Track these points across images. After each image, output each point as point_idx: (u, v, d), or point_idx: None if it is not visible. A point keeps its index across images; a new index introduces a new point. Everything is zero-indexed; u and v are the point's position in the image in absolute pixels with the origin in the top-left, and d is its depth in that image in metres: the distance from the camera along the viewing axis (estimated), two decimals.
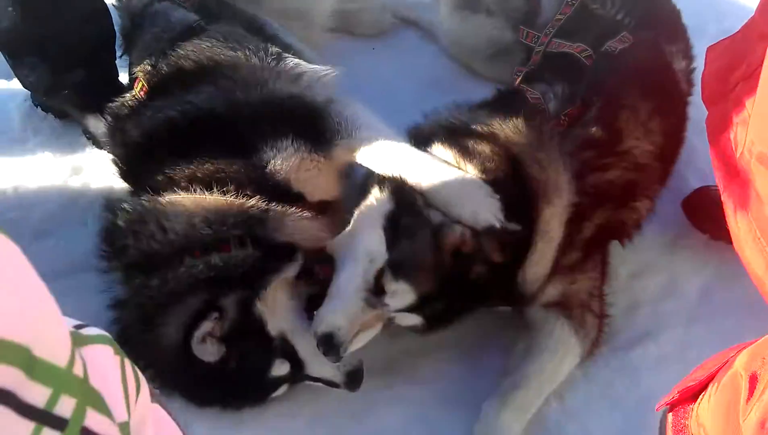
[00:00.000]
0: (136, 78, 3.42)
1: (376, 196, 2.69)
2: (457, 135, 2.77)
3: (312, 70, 3.22)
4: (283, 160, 2.79)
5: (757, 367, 1.66)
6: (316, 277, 2.77)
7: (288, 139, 2.80)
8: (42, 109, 3.77)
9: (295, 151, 2.81)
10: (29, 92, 3.74)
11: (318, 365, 2.66)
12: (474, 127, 2.80)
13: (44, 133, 3.70)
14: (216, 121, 2.87)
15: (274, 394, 2.69)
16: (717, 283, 3.14)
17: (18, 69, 3.50)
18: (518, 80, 3.15)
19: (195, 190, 2.72)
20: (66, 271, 3.10)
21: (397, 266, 2.52)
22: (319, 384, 2.71)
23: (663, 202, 3.19)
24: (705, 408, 1.74)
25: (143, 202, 2.77)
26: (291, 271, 2.72)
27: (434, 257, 2.51)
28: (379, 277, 2.53)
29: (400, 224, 2.57)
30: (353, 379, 2.66)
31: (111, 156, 3.14)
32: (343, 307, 2.53)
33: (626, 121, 2.89)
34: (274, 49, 3.21)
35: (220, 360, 2.55)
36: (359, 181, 2.90)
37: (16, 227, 3.28)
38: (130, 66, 3.53)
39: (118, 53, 3.66)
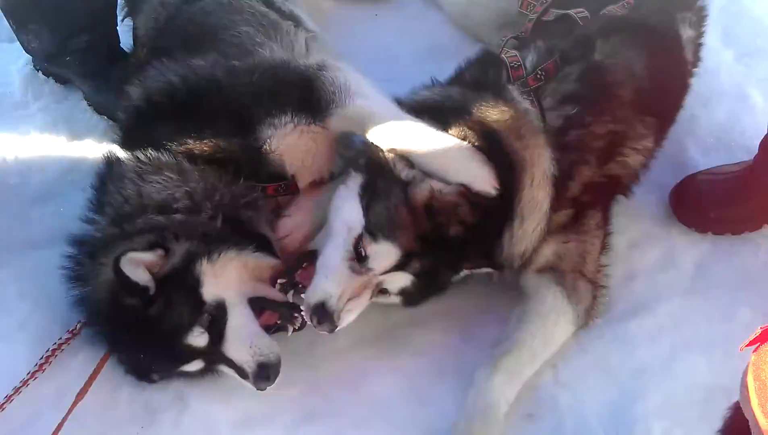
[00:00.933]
0: (141, 42, 3.43)
1: (350, 174, 2.72)
2: (435, 112, 2.76)
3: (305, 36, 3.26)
4: (279, 139, 2.78)
5: None
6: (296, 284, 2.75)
7: (286, 115, 2.79)
8: (43, 74, 3.77)
9: (294, 127, 2.81)
10: (31, 57, 3.73)
11: (236, 347, 2.60)
12: (449, 104, 2.80)
13: (45, 99, 3.71)
14: (215, 89, 2.86)
15: (185, 367, 2.63)
16: (713, 256, 3.11)
17: (21, 35, 3.50)
18: (503, 46, 3.11)
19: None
20: (64, 238, 3.11)
21: (375, 228, 2.55)
22: (234, 374, 2.64)
23: (661, 171, 3.17)
24: None
25: (132, 159, 2.79)
26: (259, 257, 2.72)
27: (408, 213, 2.53)
28: (358, 244, 2.55)
29: (374, 189, 2.60)
30: (263, 373, 2.59)
31: (112, 123, 3.15)
32: (332, 276, 2.56)
33: (613, 75, 2.87)
34: (272, 16, 3.20)
35: (144, 301, 2.52)
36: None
37: (17, 193, 3.31)
38: (134, 30, 3.53)
39: (120, 18, 3.65)
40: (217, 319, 2.59)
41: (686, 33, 3.16)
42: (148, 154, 2.76)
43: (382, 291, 2.67)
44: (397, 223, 2.54)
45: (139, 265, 2.50)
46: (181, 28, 3.22)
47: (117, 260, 2.46)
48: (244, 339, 2.59)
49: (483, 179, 2.56)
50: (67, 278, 2.77)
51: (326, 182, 2.97)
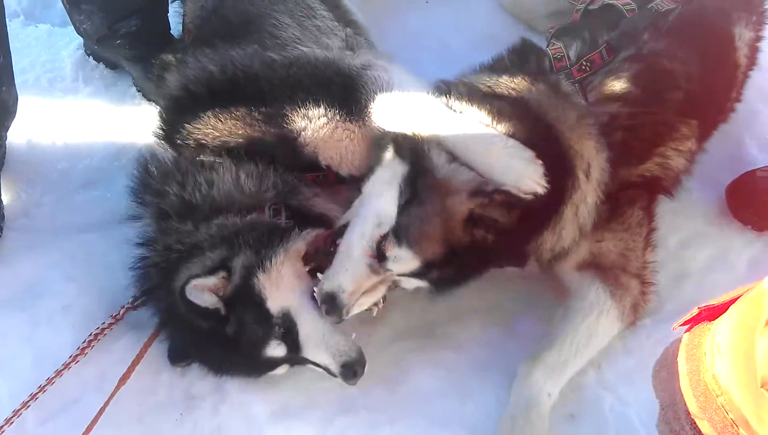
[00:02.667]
0: (187, 29, 3.44)
1: (392, 158, 2.63)
2: (485, 97, 2.68)
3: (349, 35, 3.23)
4: (314, 132, 2.75)
5: None
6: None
7: (320, 108, 2.75)
8: (94, 59, 3.80)
9: (328, 121, 2.76)
10: (82, 41, 3.77)
11: (315, 350, 2.62)
12: (497, 88, 2.72)
13: (95, 84, 3.74)
14: (252, 80, 2.83)
15: (273, 373, 2.68)
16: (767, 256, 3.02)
17: (74, 15, 3.52)
18: (549, 38, 3.05)
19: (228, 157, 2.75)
20: (111, 222, 3.15)
21: (403, 232, 2.48)
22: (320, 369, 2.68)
23: (717, 167, 3.08)
24: (723, 326, 1.69)
25: (187, 152, 2.80)
26: (301, 239, 2.69)
27: (442, 225, 2.46)
28: (381, 242, 2.51)
29: (415, 189, 2.52)
30: (349, 371, 2.60)
31: (158, 109, 3.16)
32: (350, 270, 2.53)
33: (665, 78, 2.77)
34: (316, 6, 3.21)
35: (217, 321, 2.55)
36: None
37: (64, 177, 3.35)
38: (183, 17, 3.54)
39: (171, 1, 3.67)
40: (288, 329, 2.61)
41: (743, 34, 3.02)
42: (197, 148, 2.78)
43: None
44: (426, 234, 2.48)
45: (204, 290, 2.53)
46: (224, 18, 3.21)
47: (182, 290, 2.49)
48: (318, 344, 2.60)
49: (531, 178, 2.45)
50: (138, 280, 2.79)
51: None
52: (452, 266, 2.52)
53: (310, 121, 2.74)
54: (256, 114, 2.76)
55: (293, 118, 2.74)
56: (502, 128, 2.55)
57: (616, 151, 2.66)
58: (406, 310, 2.82)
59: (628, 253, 2.80)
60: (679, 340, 1.87)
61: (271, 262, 2.60)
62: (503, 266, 2.70)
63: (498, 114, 2.58)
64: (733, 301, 1.74)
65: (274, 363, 2.64)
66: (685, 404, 1.72)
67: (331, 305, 2.52)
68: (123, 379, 2.65)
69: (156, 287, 2.70)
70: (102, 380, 2.73)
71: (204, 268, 2.58)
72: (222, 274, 2.57)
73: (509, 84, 2.72)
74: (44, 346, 2.80)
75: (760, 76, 3.24)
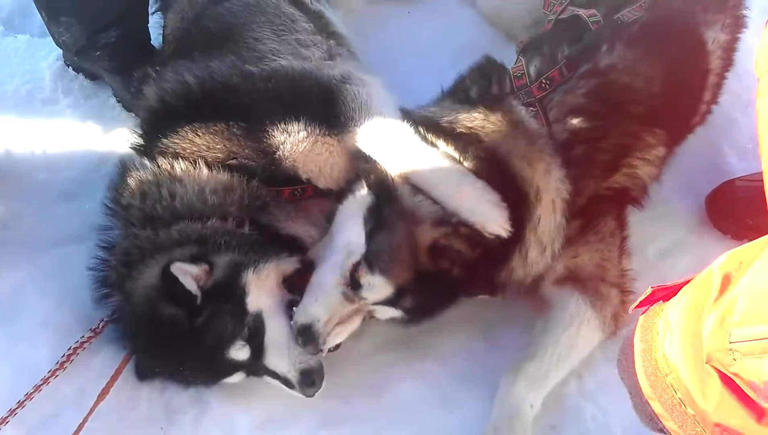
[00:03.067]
0: (168, 40, 3.43)
1: (359, 190, 2.67)
2: (447, 135, 2.71)
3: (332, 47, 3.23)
4: (293, 146, 2.74)
5: (732, 268, 1.63)
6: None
7: (300, 123, 2.74)
8: (73, 70, 3.78)
9: (308, 135, 2.75)
10: (61, 52, 3.75)
11: (276, 357, 2.62)
12: (456, 126, 2.73)
13: (74, 95, 3.71)
14: (231, 93, 2.83)
15: (227, 380, 2.64)
16: None
17: (53, 27, 3.50)
18: (519, 51, 3.06)
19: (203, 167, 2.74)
20: (91, 234, 3.11)
21: (374, 259, 2.51)
22: (277, 382, 2.66)
23: (696, 176, 3.10)
24: (675, 305, 1.71)
25: (158, 164, 2.78)
26: (290, 263, 2.73)
27: (410, 253, 2.50)
28: (354, 270, 2.53)
29: (380, 217, 2.56)
30: (307, 381, 2.60)
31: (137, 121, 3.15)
32: (323, 300, 2.57)
33: (625, 90, 2.77)
34: (298, 18, 3.22)
35: (188, 310, 2.53)
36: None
37: (44, 188, 3.33)
38: (164, 28, 3.53)
39: (151, 11, 3.65)
40: (256, 332, 2.60)
41: (716, 37, 3.00)
42: (169, 160, 2.76)
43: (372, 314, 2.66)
44: (396, 259, 2.51)
45: (187, 275, 2.52)
46: (204, 29, 3.20)
47: (167, 267, 2.48)
48: (283, 349, 2.60)
49: (497, 222, 2.49)
50: (97, 281, 2.79)
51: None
52: (424, 294, 2.55)
53: (290, 136, 2.73)
54: (235, 128, 2.74)
55: (272, 133, 2.73)
56: (468, 165, 2.59)
57: (579, 166, 2.67)
58: (388, 322, 2.80)
59: (604, 263, 2.81)
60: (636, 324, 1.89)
61: (264, 264, 2.62)
62: (475, 295, 2.71)
63: (463, 151, 2.62)
64: (686, 282, 1.76)
65: (233, 367, 2.60)
66: (639, 387, 1.74)
67: (307, 336, 2.54)
68: (102, 394, 2.63)
69: (113, 287, 2.72)
70: (81, 395, 2.71)
71: (185, 257, 2.57)
72: (204, 266, 2.56)
73: (467, 123, 2.73)
74: (22, 362, 2.77)
75: (737, 83, 3.26)
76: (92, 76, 3.75)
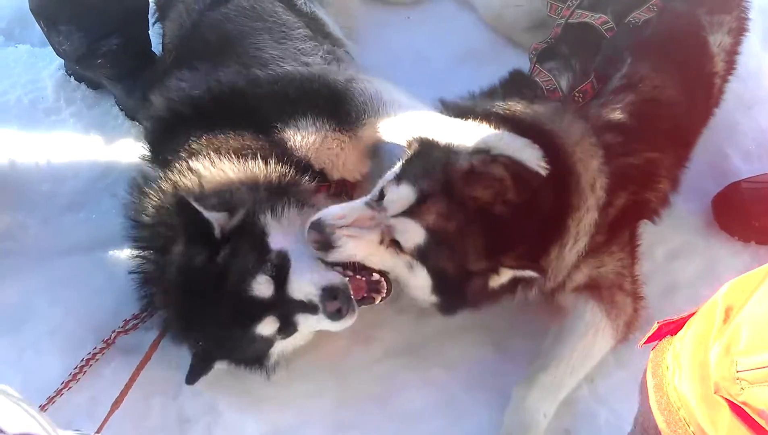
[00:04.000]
0: (167, 49, 3.43)
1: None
2: (482, 116, 2.66)
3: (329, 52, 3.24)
4: (303, 138, 2.77)
5: (735, 297, 1.63)
6: None
7: (308, 118, 2.78)
8: (75, 79, 3.76)
9: (317, 130, 2.78)
10: (63, 61, 3.73)
11: (298, 281, 2.53)
12: (497, 111, 2.71)
13: (77, 104, 3.69)
14: (238, 97, 2.86)
15: (259, 329, 2.53)
16: (755, 267, 2.97)
17: (52, 37, 3.48)
18: (534, 60, 3.03)
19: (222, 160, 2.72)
20: (97, 245, 3.15)
21: (403, 174, 2.47)
22: (310, 320, 2.56)
23: (702, 179, 3.11)
24: (681, 338, 1.72)
25: (177, 166, 2.76)
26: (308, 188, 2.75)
27: (443, 171, 2.43)
28: (383, 190, 2.49)
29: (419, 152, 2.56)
30: (330, 295, 2.50)
31: (141, 128, 3.14)
32: (345, 205, 2.52)
33: (652, 101, 2.76)
34: (295, 24, 3.22)
35: (211, 250, 2.52)
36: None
37: (49, 199, 3.32)
38: (163, 37, 3.52)
39: (152, 21, 3.64)
40: (280, 267, 2.54)
41: (720, 40, 3.01)
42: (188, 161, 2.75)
43: (395, 243, 2.46)
44: (426, 173, 2.44)
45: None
46: (203, 36, 3.19)
47: (182, 198, 2.51)
48: (305, 274, 2.53)
49: (531, 156, 2.47)
50: (139, 282, 2.77)
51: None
52: (452, 211, 2.40)
53: (299, 131, 2.77)
54: (247, 127, 2.77)
55: (283, 130, 2.77)
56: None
57: (612, 179, 2.64)
58: (396, 329, 2.82)
59: (623, 271, 2.80)
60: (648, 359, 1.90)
61: (282, 210, 2.62)
62: (523, 267, 2.48)
63: (498, 125, 2.60)
64: (691, 315, 1.77)
65: (261, 308, 2.51)
66: (655, 421, 1.73)
67: (317, 228, 2.43)
68: (116, 404, 2.62)
69: (153, 270, 2.69)
70: (94, 405, 2.70)
71: (206, 207, 2.55)
72: (224, 213, 2.57)
73: (507, 107, 2.73)
74: (31, 372, 2.77)
75: (740, 85, 3.28)
76: (94, 85, 3.73)
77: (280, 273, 2.53)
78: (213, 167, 2.70)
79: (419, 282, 2.50)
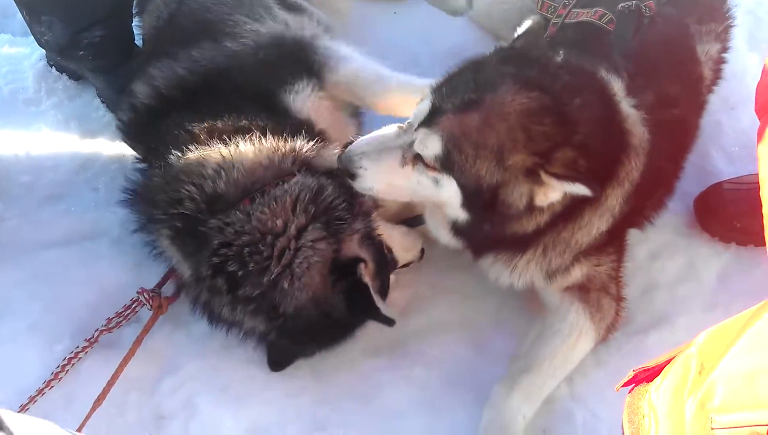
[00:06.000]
0: (145, 41, 3.41)
1: None
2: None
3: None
4: (303, 101, 2.81)
5: (710, 349, 1.66)
6: None
7: (303, 80, 2.83)
8: (56, 70, 3.73)
9: (312, 90, 2.84)
10: (44, 52, 3.70)
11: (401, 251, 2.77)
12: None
13: (58, 95, 3.67)
14: (223, 74, 2.85)
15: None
16: (736, 268, 3.04)
17: (34, 26, 3.44)
18: None
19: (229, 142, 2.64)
20: (76, 238, 3.13)
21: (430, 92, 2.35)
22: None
23: (684, 179, 3.09)
24: (657, 388, 1.73)
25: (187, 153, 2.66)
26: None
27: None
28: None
29: None
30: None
31: (117, 122, 3.10)
32: (374, 133, 2.45)
33: (669, 124, 2.65)
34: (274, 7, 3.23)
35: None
36: None
37: (28, 191, 3.29)
38: (142, 29, 3.51)
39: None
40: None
41: (708, 49, 3.00)
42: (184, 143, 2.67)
43: (418, 158, 2.34)
44: (453, 86, 2.31)
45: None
46: (179, 26, 3.17)
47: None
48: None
49: None
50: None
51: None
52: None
53: (298, 94, 2.81)
54: (240, 102, 2.74)
55: (281, 96, 2.79)
56: None
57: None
58: (377, 327, 2.79)
59: (613, 273, 2.78)
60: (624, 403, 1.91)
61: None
62: (574, 175, 2.18)
63: None
64: (667, 362, 1.77)
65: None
66: None
67: (342, 162, 2.41)
68: (98, 400, 2.60)
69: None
70: (70, 401, 2.68)
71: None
72: (361, 265, 2.56)
73: None
74: (9, 367, 2.75)
75: (723, 86, 3.26)
76: (76, 77, 3.70)
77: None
78: (233, 152, 2.60)
79: (447, 196, 2.36)
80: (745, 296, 2.88)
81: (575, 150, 2.17)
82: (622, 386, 1.87)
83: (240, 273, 2.44)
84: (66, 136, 3.50)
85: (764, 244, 3.04)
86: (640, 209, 2.74)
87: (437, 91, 2.32)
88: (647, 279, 3.02)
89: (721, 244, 3.10)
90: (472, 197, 2.30)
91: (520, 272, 2.69)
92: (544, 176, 2.18)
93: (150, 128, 2.87)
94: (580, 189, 2.16)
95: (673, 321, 2.90)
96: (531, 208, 2.30)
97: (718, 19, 3.09)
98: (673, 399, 1.64)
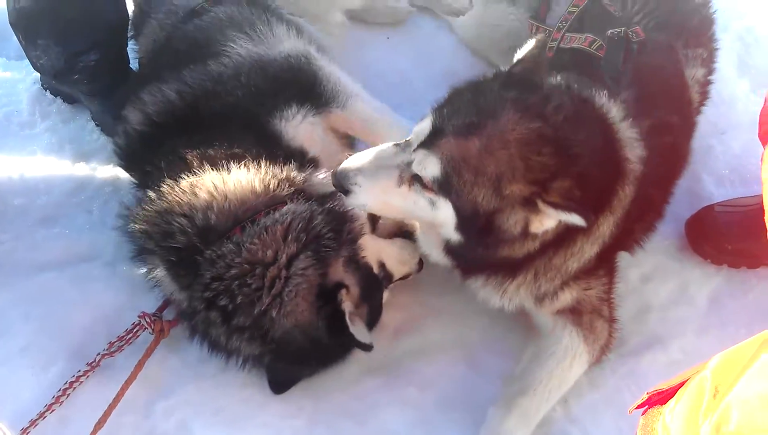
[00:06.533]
0: (142, 64, 3.42)
1: None
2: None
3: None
4: (294, 128, 2.81)
5: (724, 372, 1.66)
6: None
7: (292, 107, 2.83)
8: (51, 93, 3.74)
9: (303, 116, 2.85)
10: (39, 75, 3.71)
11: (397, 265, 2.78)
12: None
13: (52, 118, 3.67)
14: (211, 98, 2.84)
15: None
16: (728, 291, 3.07)
17: (30, 51, 3.45)
18: None
19: (220, 169, 2.63)
20: (70, 260, 3.12)
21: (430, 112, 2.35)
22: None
23: (676, 202, 3.12)
24: (672, 410, 1.73)
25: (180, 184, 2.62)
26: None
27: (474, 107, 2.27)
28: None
29: None
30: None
31: (114, 147, 3.10)
32: (370, 150, 2.44)
33: (669, 138, 2.71)
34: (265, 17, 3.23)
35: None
36: None
37: (22, 213, 3.28)
38: (139, 53, 3.52)
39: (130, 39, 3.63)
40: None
41: (694, 73, 3.02)
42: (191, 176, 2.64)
43: (416, 178, 2.34)
44: (454, 107, 2.31)
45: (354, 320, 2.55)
46: (173, 49, 3.17)
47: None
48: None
49: None
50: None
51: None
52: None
53: (288, 121, 2.81)
54: (229, 127, 2.75)
55: (272, 122, 2.80)
56: None
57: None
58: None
59: (604, 296, 2.79)
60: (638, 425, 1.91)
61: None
62: (570, 204, 2.18)
63: None
64: (680, 384, 1.78)
65: None
66: None
67: (337, 178, 2.41)
68: (99, 424, 2.58)
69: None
70: (64, 424, 2.67)
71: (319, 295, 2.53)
72: (342, 291, 2.55)
73: None
74: (2, 388, 2.73)
75: (714, 111, 3.32)
76: (70, 100, 3.71)
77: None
78: (225, 180, 2.59)
79: (443, 218, 2.36)
80: (737, 318, 2.96)
81: (572, 180, 2.17)
82: (635, 408, 1.87)
83: (230, 307, 2.45)
84: (60, 158, 3.50)
85: (756, 266, 3.10)
86: (630, 232, 2.74)
87: (438, 111, 2.31)
88: (640, 301, 3.04)
89: (713, 267, 3.13)
90: (467, 221, 2.30)
91: (510, 296, 2.69)
92: (541, 205, 2.19)
93: (144, 154, 2.86)
94: (576, 219, 2.16)
95: (666, 343, 2.92)
96: (525, 234, 2.31)
97: (705, 44, 3.12)
98: (688, 422, 1.64)
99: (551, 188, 2.17)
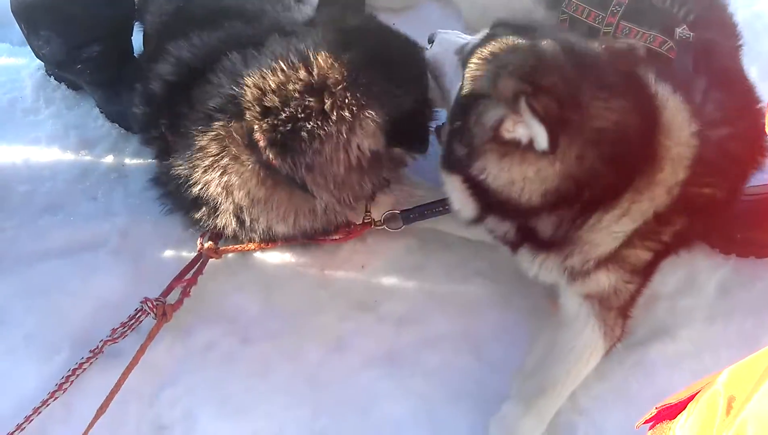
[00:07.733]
0: (148, 40, 3.39)
1: None
2: None
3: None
4: None
5: (736, 387, 1.63)
6: None
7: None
8: (55, 79, 3.70)
9: None
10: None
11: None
12: None
13: (56, 105, 3.63)
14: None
15: None
16: (736, 280, 3.04)
17: (32, 40, 3.43)
18: None
19: None
20: (74, 248, 3.09)
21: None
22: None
23: None
24: (683, 426, 1.71)
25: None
26: None
27: None
28: None
29: None
30: None
31: (131, 115, 3.09)
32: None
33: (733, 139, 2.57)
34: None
35: None
36: None
37: (26, 200, 3.26)
38: (143, 31, 3.50)
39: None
40: None
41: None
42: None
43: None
44: None
45: None
46: (188, 15, 3.13)
47: None
48: None
49: None
50: None
51: None
52: None
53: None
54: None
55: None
56: None
57: (681, 203, 2.45)
58: (376, 338, 2.80)
59: (636, 296, 2.71)
60: None
61: None
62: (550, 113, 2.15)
63: None
64: (690, 398, 1.76)
65: None
66: None
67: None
68: (101, 410, 2.57)
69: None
70: (68, 411, 2.66)
71: None
72: None
73: None
74: (6, 377, 2.73)
75: None
76: (75, 86, 3.67)
77: None
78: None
79: (456, 87, 2.51)
80: (745, 309, 2.93)
81: (559, 103, 2.15)
82: (643, 423, 1.85)
83: None
84: (64, 145, 3.47)
85: (765, 255, 3.07)
86: (686, 235, 2.62)
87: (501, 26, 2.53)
88: (648, 291, 2.96)
89: (722, 256, 3.10)
90: (462, 99, 2.41)
91: (548, 266, 2.62)
92: (522, 104, 2.14)
93: (175, 103, 2.82)
94: (541, 135, 2.12)
95: (674, 333, 2.90)
96: (494, 137, 2.28)
97: (736, 37, 3.08)
98: None
99: (540, 97, 2.13)
